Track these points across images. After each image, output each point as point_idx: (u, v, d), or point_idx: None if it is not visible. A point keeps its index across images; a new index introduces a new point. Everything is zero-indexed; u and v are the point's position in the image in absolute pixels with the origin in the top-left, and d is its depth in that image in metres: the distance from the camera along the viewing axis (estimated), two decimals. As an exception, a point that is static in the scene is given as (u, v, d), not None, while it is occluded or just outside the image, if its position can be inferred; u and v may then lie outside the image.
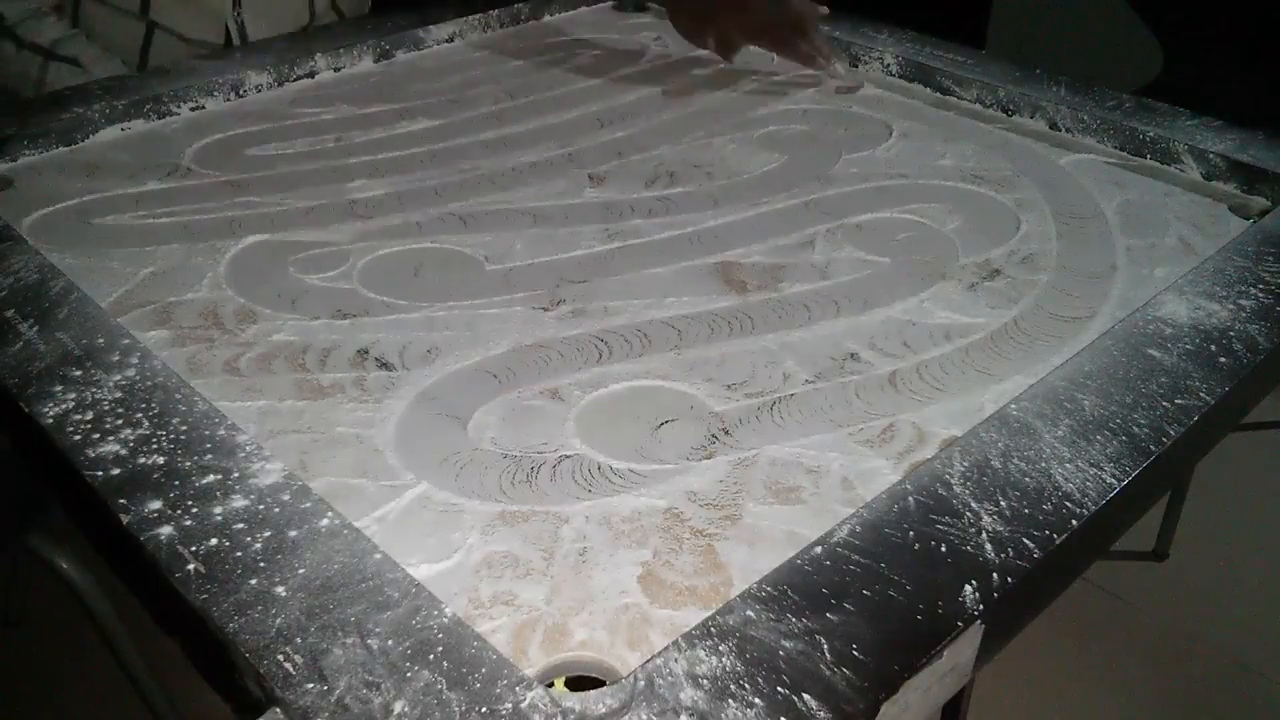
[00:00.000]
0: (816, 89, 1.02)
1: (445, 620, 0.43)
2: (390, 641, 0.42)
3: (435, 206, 0.81)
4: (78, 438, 0.52)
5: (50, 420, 0.53)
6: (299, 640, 0.41)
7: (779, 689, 0.40)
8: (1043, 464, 0.52)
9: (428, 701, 0.39)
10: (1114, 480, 0.51)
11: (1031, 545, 0.47)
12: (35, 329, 0.61)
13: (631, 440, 0.58)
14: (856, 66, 1.05)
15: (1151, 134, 0.88)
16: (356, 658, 0.41)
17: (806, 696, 0.39)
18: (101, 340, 0.59)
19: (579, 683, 0.44)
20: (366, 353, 0.64)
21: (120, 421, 0.53)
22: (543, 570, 0.49)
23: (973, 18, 1.94)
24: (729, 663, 0.41)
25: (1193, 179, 0.86)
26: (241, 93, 0.98)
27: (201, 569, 0.45)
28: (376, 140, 0.91)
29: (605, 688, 0.40)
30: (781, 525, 0.52)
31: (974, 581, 0.45)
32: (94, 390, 0.55)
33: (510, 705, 0.39)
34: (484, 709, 0.39)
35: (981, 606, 0.44)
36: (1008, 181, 0.85)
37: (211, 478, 0.50)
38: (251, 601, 0.43)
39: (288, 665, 0.40)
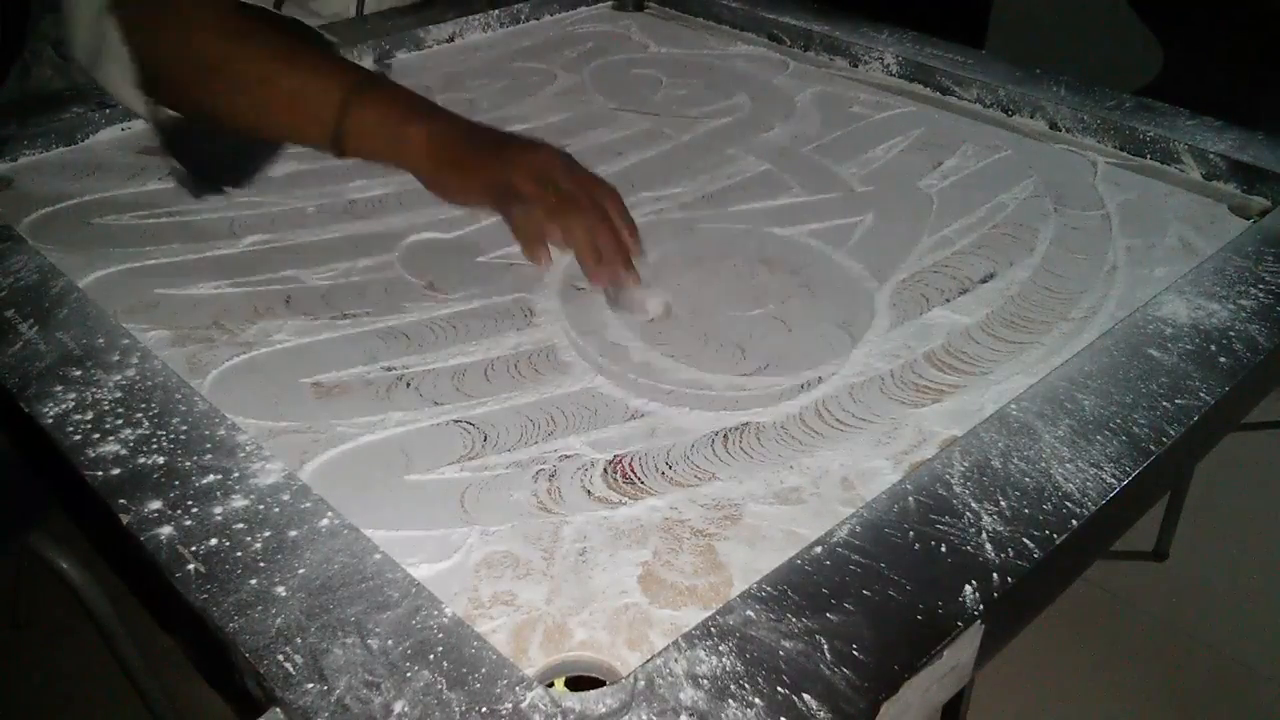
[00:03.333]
0: None
1: (445, 620, 0.43)
2: (390, 641, 0.42)
3: (435, 206, 0.81)
4: (78, 438, 0.52)
5: (50, 420, 0.53)
6: (299, 640, 0.41)
7: (779, 689, 0.40)
8: (1043, 464, 0.51)
9: (428, 701, 0.39)
10: (1114, 480, 0.51)
11: (1031, 545, 0.47)
12: (35, 329, 0.61)
13: (632, 439, 0.58)
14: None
15: (1151, 134, 0.88)
16: (356, 658, 0.41)
17: (806, 696, 0.39)
18: (101, 340, 0.59)
19: (579, 683, 0.44)
20: (369, 353, 0.64)
21: (120, 421, 0.53)
22: (543, 570, 0.49)
23: (973, 18, 1.94)
24: (729, 663, 0.41)
25: (1193, 179, 0.86)
26: (241, 93, 0.98)
27: (201, 569, 0.45)
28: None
29: (605, 688, 0.40)
30: (781, 525, 0.52)
31: (974, 581, 0.45)
32: (94, 390, 0.55)
33: (510, 705, 0.39)
34: (484, 709, 0.39)
35: (981, 606, 0.44)
36: (1007, 182, 0.85)
37: (211, 478, 0.50)
38: (251, 601, 0.43)
39: (288, 665, 0.40)
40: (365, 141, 0.69)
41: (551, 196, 0.66)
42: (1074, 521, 0.48)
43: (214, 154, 0.75)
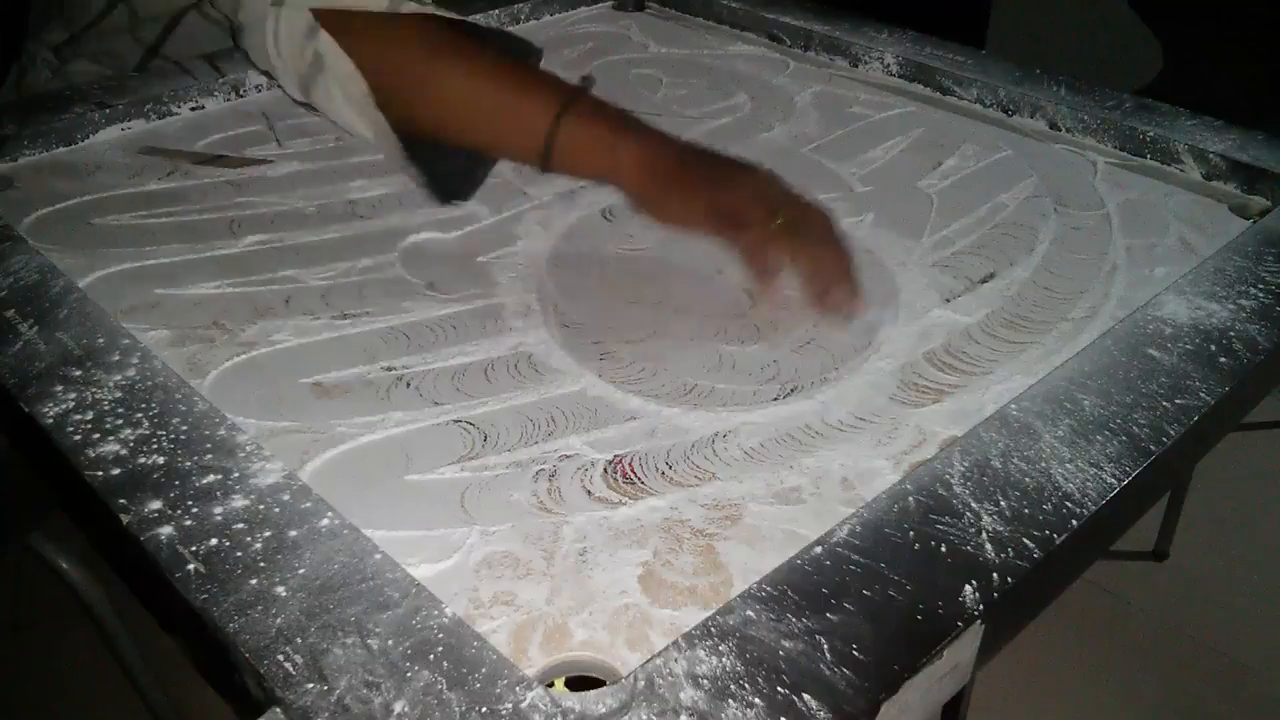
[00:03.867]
0: None
1: (445, 620, 0.43)
2: (390, 641, 0.42)
3: (435, 206, 0.81)
4: (78, 438, 0.52)
5: (50, 420, 0.53)
6: (299, 640, 0.41)
7: (779, 689, 0.40)
8: (1043, 464, 0.51)
9: (428, 701, 0.39)
10: (1114, 480, 0.51)
11: (1031, 545, 0.47)
12: (35, 329, 0.61)
13: (632, 439, 0.58)
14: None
15: (1151, 134, 0.88)
16: (356, 658, 0.41)
17: (806, 696, 0.39)
18: (101, 340, 0.59)
19: (579, 683, 0.44)
20: (369, 353, 0.64)
21: (120, 421, 0.53)
22: (543, 570, 0.49)
23: (973, 18, 1.94)
24: (729, 663, 0.41)
25: (1193, 179, 0.86)
26: (241, 93, 0.98)
27: (201, 569, 0.45)
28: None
29: (605, 688, 0.40)
30: (781, 525, 0.52)
31: (974, 581, 0.45)
32: (94, 390, 0.55)
33: (510, 705, 0.39)
34: (484, 709, 0.39)
35: (981, 606, 0.44)
36: (1007, 182, 0.85)
37: (211, 478, 0.50)
38: (251, 601, 0.43)
39: (288, 665, 0.40)
40: (575, 159, 0.68)
41: (776, 221, 0.64)
42: (1074, 521, 0.48)
43: (444, 164, 0.74)
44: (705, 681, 0.40)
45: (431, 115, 0.70)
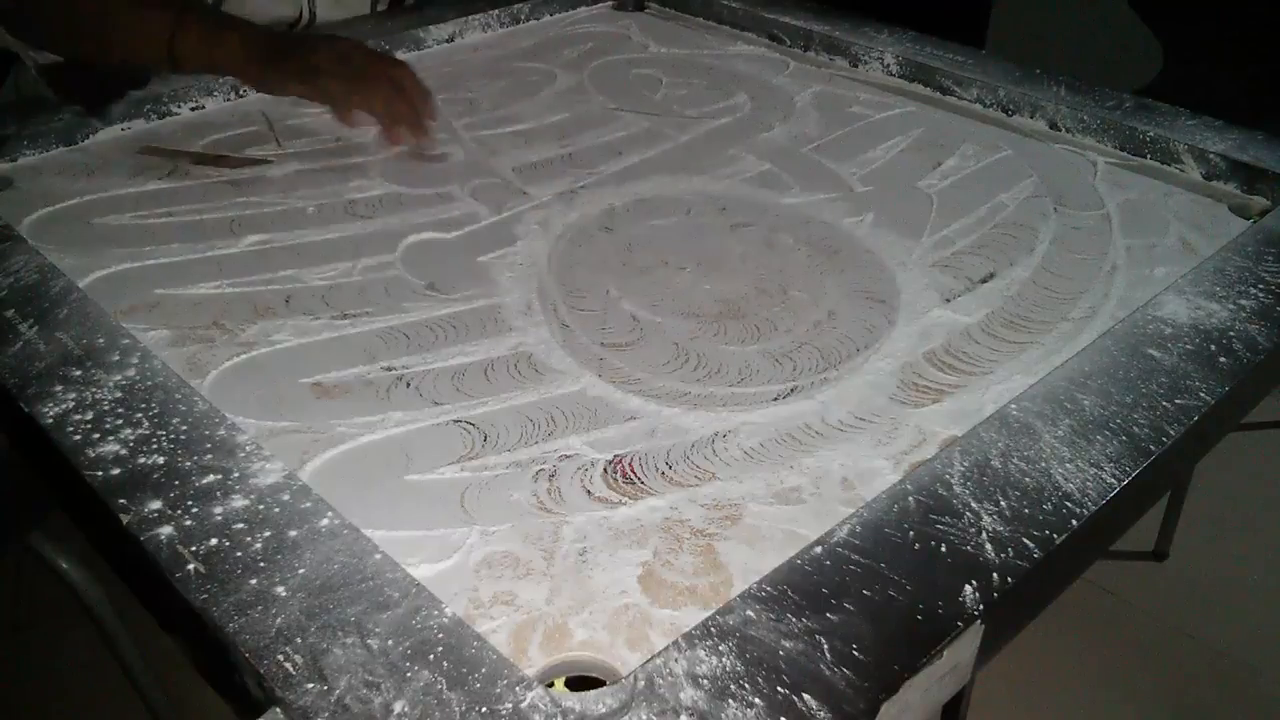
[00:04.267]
0: None
1: (445, 620, 0.43)
2: (390, 641, 0.42)
3: (435, 206, 0.81)
4: (78, 438, 0.52)
5: (50, 420, 0.53)
6: (299, 640, 0.41)
7: (779, 689, 0.40)
8: (1043, 464, 0.51)
9: (428, 701, 0.39)
10: (1114, 480, 0.51)
11: (1031, 545, 0.47)
12: (35, 329, 0.61)
13: (632, 439, 0.58)
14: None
15: (1151, 134, 0.88)
16: (356, 658, 0.41)
17: (806, 696, 0.39)
18: (101, 340, 0.59)
19: (579, 683, 0.44)
20: (369, 353, 0.64)
21: (120, 421, 0.53)
22: (543, 570, 0.49)
23: (973, 18, 1.94)
24: (729, 663, 0.41)
25: (1193, 179, 0.86)
26: (241, 93, 0.98)
27: (201, 569, 0.45)
28: (376, 140, 0.91)
29: (605, 688, 0.40)
30: (781, 525, 0.52)
31: (974, 581, 0.45)
32: (94, 390, 0.55)
33: (510, 705, 0.39)
34: (484, 709, 0.39)
35: (981, 606, 0.44)
36: (1007, 182, 0.85)
37: (211, 478, 0.50)
38: (251, 601, 0.43)
39: (288, 665, 0.40)
40: (193, 54, 0.83)
41: (350, 71, 0.81)
42: (1074, 521, 0.48)
43: (92, 82, 0.91)
44: (705, 681, 0.40)
45: (80, 44, 0.87)
